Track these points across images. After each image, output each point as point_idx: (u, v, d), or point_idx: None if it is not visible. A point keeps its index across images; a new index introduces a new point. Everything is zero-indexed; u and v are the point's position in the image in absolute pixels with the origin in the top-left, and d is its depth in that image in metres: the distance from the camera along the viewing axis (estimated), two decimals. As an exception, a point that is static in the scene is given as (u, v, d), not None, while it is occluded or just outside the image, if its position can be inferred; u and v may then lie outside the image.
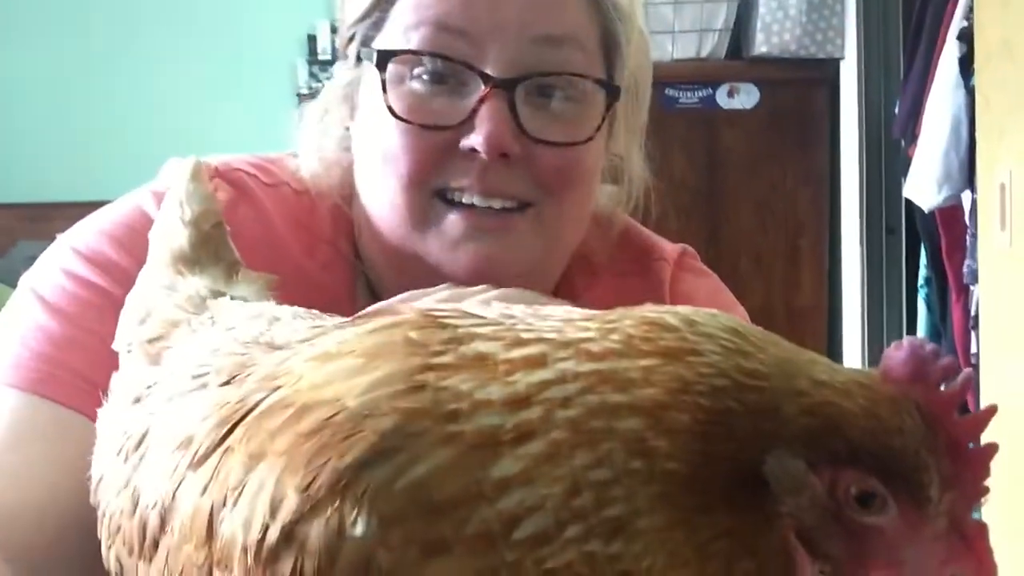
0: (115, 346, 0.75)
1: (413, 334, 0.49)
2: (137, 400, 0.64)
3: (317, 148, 1.00)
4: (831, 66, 3.75)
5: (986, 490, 0.46)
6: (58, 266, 0.90)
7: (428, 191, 0.90)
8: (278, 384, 0.50)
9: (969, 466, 0.45)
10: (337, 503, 0.44)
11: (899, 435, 0.44)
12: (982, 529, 0.45)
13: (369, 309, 0.53)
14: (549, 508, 0.43)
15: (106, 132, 4.70)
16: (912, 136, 3.04)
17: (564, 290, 1.01)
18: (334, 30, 4.68)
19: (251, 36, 4.85)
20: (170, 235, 0.79)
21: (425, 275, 0.91)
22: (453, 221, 0.90)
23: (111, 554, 0.59)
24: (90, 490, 0.67)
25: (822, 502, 0.45)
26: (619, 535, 0.42)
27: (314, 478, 0.44)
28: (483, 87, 0.87)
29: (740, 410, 0.44)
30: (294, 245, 0.96)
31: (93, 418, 0.79)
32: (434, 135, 0.89)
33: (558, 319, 0.50)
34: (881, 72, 3.67)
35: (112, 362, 0.74)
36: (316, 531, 0.44)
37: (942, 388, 0.46)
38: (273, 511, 0.45)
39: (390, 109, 0.89)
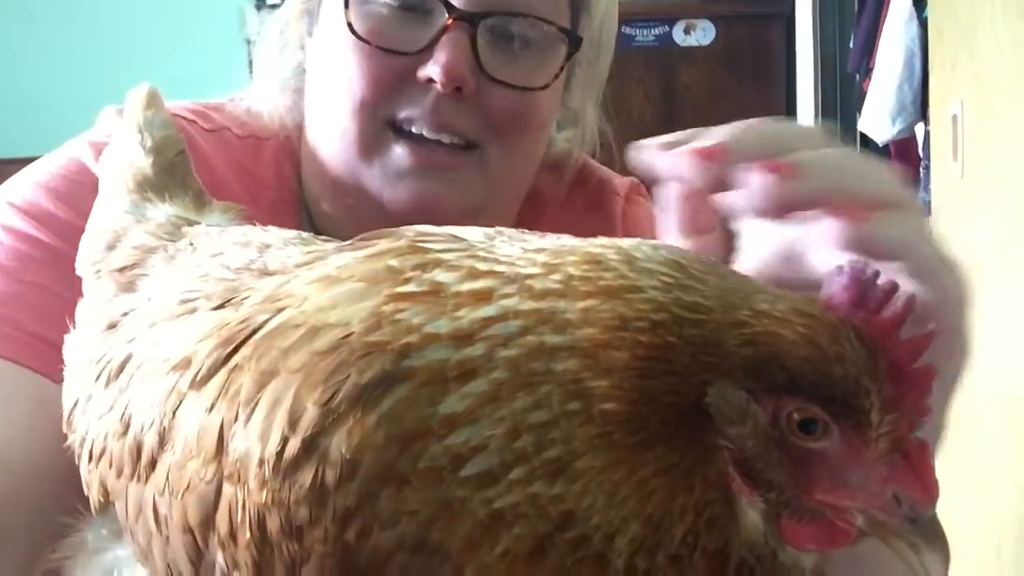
0: (79, 271, 0.74)
1: (394, 261, 0.50)
2: (112, 327, 0.64)
3: (275, 68, 0.99)
4: (786, 1, 3.74)
5: (928, 410, 0.47)
6: None
7: (379, 118, 0.90)
8: (282, 306, 0.50)
9: (910, 388, 0.45)
10: (360, 415, 0.44)
11: (838, 362, 0.44)
12: (924, 448, 0.46)
13: (373, 232, 0.54)
14: (493, 449, 0.43)
15: (46, 84, 4.56)
16: (866, 70, 3.05)
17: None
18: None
19: (196, -20, 4.70)
20: (131, 162, 0.77)
21: (367, 209, 0.91)
22: (400, 153, 0.89)
23: (93, 478, 0.59)
24: (42, 439, 0.67)
25: (765, 430, 0.45)
26: (560, 476, 0.43)
27: (334, 393, 0.45)
28: (446, 17, 0.87)
29: (680, 344, 0.44)
30: (238, 190, 0.95)
31: (39, 371, 0.79)
32: (391, 60, 0.88)
33: (519, 247, 0.50)
34: (836, 5, 3.67)
35: (56, 314, 0.73)
36: (337, 443, 0.44)
37: (883, 312, 0.46)
38: (292, 424, 0.45)
39: (350, 26, 0.88)
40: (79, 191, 0.85)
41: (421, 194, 0.89)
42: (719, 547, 0.44)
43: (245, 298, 0.54)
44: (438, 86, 0.87)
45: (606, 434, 0.43)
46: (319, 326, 0.47)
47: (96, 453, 0.58)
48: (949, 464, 0.61)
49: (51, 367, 0.72)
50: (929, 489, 0.45)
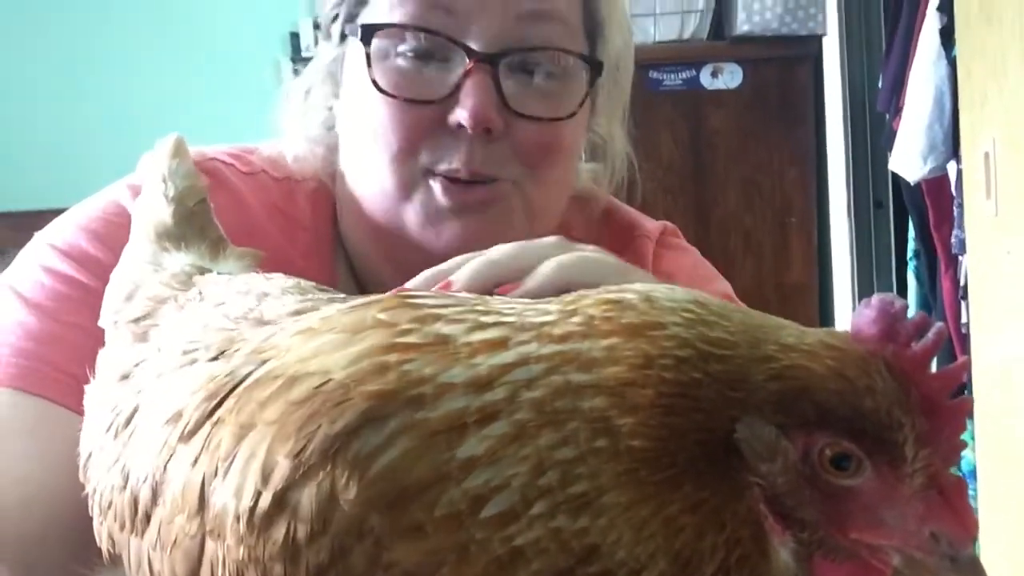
0: (101, 322, 0.75)
1: (382, 315, 0.49)
2: (125, 377, 0.65)
3: (301, 128, 1.00)
4: (813, 43, 3.75)
5: (962, 445, 0.45)
6: (36, 262, 0.91)
7: (416, 168, 0.91)
8: (266, 357, 0.51)
9: (944, 422, 0.44)
10: (329, 468, 0.44)
11: (869, 395, 0.43)
12: (960, 484, 0.45)
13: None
14: (515, 487, 0.42)
15: (88, 137, 4.67)
16: (896, 109, 3.03)
17: None
18: (317, 27, 4.65)
19: (233, 35, 4.81)
20: (154, 211, 0.78)
21: (409, 253, 0.91)
22: (437, 192, 0.90)
23: (103, 530, 0.59)
24: (76, 478, 0.67)
25: (796, 467, 0.44)
26: (585, 511, 0.42)
27: (305, 444, 0.45)
28: (467, 62, 0.88)
29: (706, 380, 0.43)
30: (274, 232, 0.96)
31: (76, 411, 0.79)
32: (419, 110, 0.90)
33: (519, 303, 0.51)
34: (863, 46, 3.67)
35: (93, 354, 0.74)
36: (308, 496, 0.44)
37: (914, 344, 0.45)
38: (265, 478, 0.45)
39: (375, 83, 0.90)
40: (117, 233, 0.87)
41: (464, 233, 0.90)
42: None
43: (237, 350, 0.54)
44: (468, 130, 0.88)
45: (633, 470, 0.43)
46: (298, 376, 0.47)
47: (104, 505, 0.58)
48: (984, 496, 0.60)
49: None
50: (968, 526, 0.44)
